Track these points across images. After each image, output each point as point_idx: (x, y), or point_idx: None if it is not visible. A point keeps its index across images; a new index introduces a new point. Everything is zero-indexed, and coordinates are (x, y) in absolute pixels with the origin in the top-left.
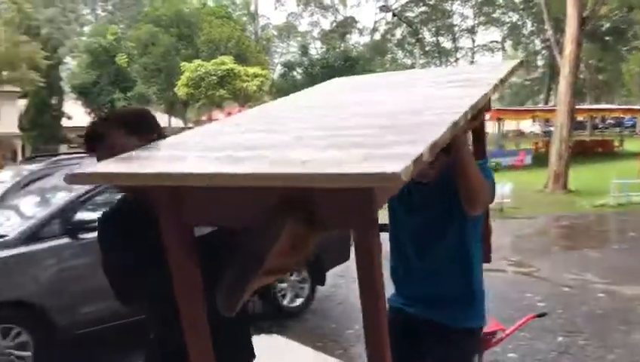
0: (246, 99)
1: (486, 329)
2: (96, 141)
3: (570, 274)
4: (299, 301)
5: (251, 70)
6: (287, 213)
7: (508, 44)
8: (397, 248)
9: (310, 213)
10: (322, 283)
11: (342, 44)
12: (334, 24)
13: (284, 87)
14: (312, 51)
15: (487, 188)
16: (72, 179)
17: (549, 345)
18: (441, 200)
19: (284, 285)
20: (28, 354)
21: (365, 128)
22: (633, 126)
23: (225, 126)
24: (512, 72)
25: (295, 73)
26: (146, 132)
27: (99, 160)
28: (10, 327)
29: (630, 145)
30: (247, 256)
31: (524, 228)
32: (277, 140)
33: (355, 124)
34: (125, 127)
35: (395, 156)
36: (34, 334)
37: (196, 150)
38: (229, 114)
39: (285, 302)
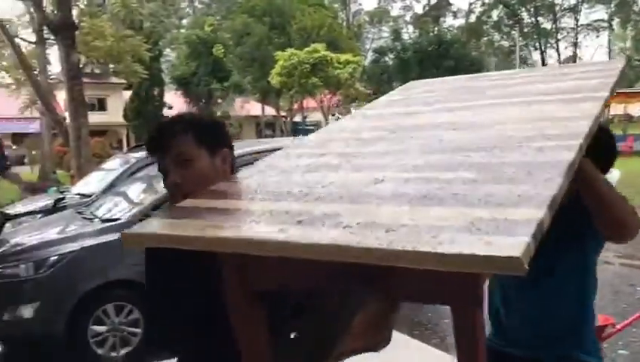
0: (338, 87)
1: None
2: (162, 146)
3: None
4: None
5: (343, 57)
6: (365, 293)
7: (615, 22)
8: (499, 285)
9: (394, 288)
10: None
11: (435, 28)
12: (427, 7)
13: (376, 73)
14: (405, 36)
15: (629, 206)
16: (125, 240)
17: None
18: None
19: None
20: (139, 330)
21: (463, 169)
22: None
23: (301, 155)
24: (621, 77)
25: (387, 59)
26: (218, 145)
27: (162, 169)
28: (123, 305)
29: None
30: (314, 344)
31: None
32: (357, 183)
33: (449, 162)
34: (196, 137)
35: (508, 227)
36: (144, 311)
37: (266, 199)
38: (322, 102)
39: None
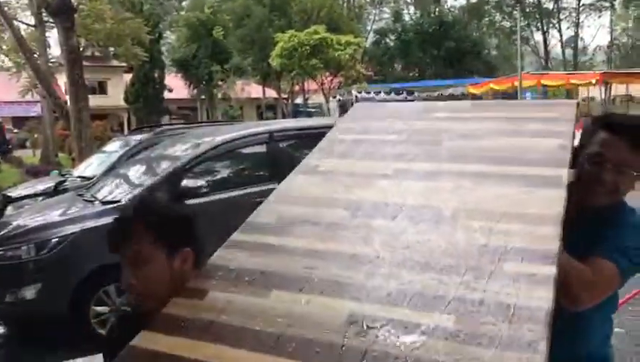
0: (339, 68)
1: None
2: (120, 244)
3: None
4: None
5: (344, 39)
6: None
7: (617, 2)
8: None
9: None
10: None
11: (436, 9)
12: None
13: (377, 55)
14: (406, 17)
15: (585, 280)
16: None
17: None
18: None
19: None
20: None
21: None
22: None
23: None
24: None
25: (388, 40)
26: (179, 245)
27: (123, 271)
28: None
29: None
30: None
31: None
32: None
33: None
34: (155, 237)
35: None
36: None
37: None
38: (323, 84)
39: None
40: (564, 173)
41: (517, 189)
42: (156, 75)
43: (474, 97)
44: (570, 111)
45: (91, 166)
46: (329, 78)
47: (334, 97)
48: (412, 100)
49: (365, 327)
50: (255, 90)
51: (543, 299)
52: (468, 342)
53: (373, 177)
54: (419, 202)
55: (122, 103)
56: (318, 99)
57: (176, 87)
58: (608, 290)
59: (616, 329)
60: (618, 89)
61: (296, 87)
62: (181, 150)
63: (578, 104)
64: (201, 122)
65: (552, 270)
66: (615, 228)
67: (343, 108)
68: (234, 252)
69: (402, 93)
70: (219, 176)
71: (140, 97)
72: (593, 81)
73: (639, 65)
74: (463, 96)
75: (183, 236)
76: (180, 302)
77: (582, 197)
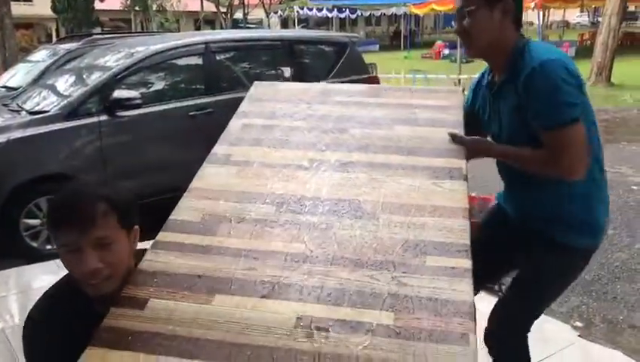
0: None
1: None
2: (78, 226)
3: (605, 167)
4: None
5: None
6: None
7: None
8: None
9: None
10: None
11: None
12: None
13: None
14: None
15: (540, 164)
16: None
17: None
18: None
19: None
20: None
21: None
22: None
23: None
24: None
25: None
26: (133, 224)
27: (71, 245)
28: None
29: None
30: None
31: None
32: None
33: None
34: (119, 220)
35: None
36: None
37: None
38: None
39: None
40: (464, 165)
41: (425, 181)
42: None
43: (416, 18)
44: (458, 99)
45: (16, 76)
46: None
47: (275, 12)
48: (355, 18)
49: (314, 329)
50: (193, 3)
51: (465, 292)
52: (408, 338)
53: (291, 168)
54: (338, 195)
55: (50, 13)
56: (259, 14)
57: None
58: (584, 148)
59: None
60: (556, 14)
61: (236, 1)
62: (113, 60)
63: (463, 90)
64: (133, 32)
65: (468, 263)
66: (537, 86)
67: (284, 24)
68: (164, 255)
69: (345, 10)
70: (152, 88)
71: (70, 6)
72: (532, 5)
73: None
74: (406, 16)
75: (135, 214)
76: (120, 312)
77: (489, 64)
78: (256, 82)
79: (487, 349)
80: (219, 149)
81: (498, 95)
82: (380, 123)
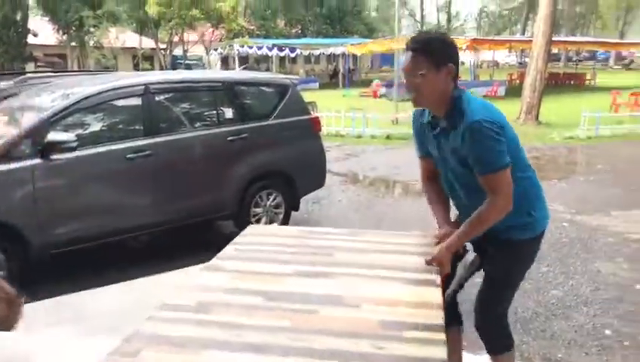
0: (220, 21)
1: None
2: None
3: None
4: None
5: None
6: None
7: None
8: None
9: None
10: (296, 208)
11: None
12: None
13: (260, 9)
14: None
15: (489, 218)
16: None
17: None
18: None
19: (259, 210)
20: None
21: None
22: (606, 59)
23: None
24: None
25: None
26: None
27: None
28: None
29: (602, 79)
30: None
31: None
32: None
33: None
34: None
35: None
36: (7, 253)
37: None
38: (203, 35)
39: None
40: (438, 278)
41: (400, 285)
42: (18, 17)
43: (354, 57)
44: (427, 240)
45: None
46: (210, 30)
47: (215, 50)
48: (295, 56)
49: None
50: (131, 39)
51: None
52: None
53: (280, 275)
54: (323, 292)
55: None
56: (198, 51)
57: (43, 31)
58: (510, 186)
59: (477, 280)
60: (486, 54)
61: (176, 38)
62: (48, 100)
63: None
64: (70, 71)
65: (441, 336)
66: (474, 141)
67: (225, 61)
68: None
69: (284, 49)
70: (89, 130)
71: (1, 41)
72: (463, 47)
73: (505, 33)
74: (344, 55)
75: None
76: None
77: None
78: (249, 227)
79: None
80: (210, 263)
81: (440, 136)
82: (365, 250)
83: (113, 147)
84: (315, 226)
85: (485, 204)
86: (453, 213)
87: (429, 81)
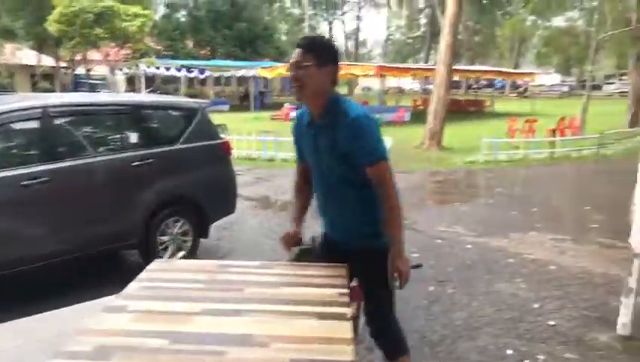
0: (126, 40)
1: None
2: None
3: (442, 227)
4: (181, 254)
5: (132, 9)
6: None
7: (393, 0)
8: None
9: None
10: (206, 235)
11: None
12: None
13: (168, 29)
14: None
15: (397, 204)
16: None
17: (422, 294)
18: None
19: (165, 238)
20: None
21: None
22: (503, 87)
23: None
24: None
25: (179, 15)
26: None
27: None
28: None
29: (500, 106)
30: None
31: (402, 183)
32: None
33: None
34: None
35: None
36: None
37: None
38: (108, 55)
39: (167, 256)
40: (349, 311)
41: (310, 320)
42: None
43: (265, 80)
44: (343, 273)
45: None
46: (115, 50)
47: (121, 70)
48: (204, 78)
49: None
50: (29, 57)
51: None
52: None
53: (188, 315)
54: (233, 331)
55: None
56: (103, 70)
57: None
58: (392, 177)
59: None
60: (392, 81)
61: (78, 56)
62: None
63: (348, 268)
64: None
65: None
66: (359, 133)
67: (131, 81)
68: None
69: (193, 70)
70: None
71: None
72: (371, 73)
73: (410, 60)
74: (255, 78)
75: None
76: None
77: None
78: (154, 262)
79: None
80: (112, 304)
81: (317, 134)
82: (275, 284)
83: (6, 173)
84: (226, 254)
85: (385, 197)
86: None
87: (312, 75)
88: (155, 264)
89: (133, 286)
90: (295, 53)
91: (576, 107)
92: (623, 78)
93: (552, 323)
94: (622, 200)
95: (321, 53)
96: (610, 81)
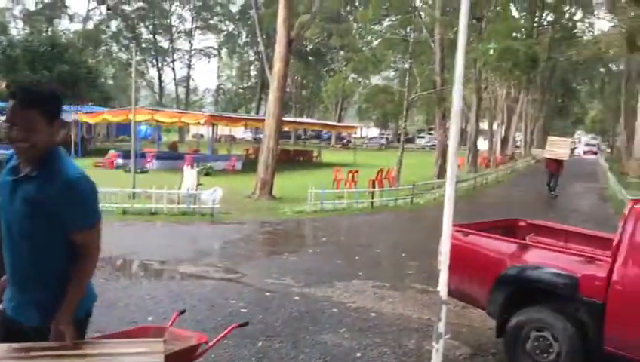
0: None
1: (191, 343)
2: None
3: (271, 279)
4: None
5: None
6: None
7: (224, 51)
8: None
9: None
10: None
11: (49, 29)
12: (40, 5)
13: None
14: (13, 31)
15: (90, 271)
16: None
17: (250, 351)
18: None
19: None
20: None
21: None
22: (329, 138)
23: None
24: None
25: None
26: None
27: None
28: None
29: (326, 156)
30: None
31: (233, 234)
32: None
33: None
34: None
35: None
36: None
37: None
38: None
39: None
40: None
41: None
42: None
43: (88, 126)
44: (158, 347)
45: None
46: None
47: None
48: None
49: None
50: None
51: None
52: None
53: None
54: None
55: None
56: None
57: None
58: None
59: None
60: (224, 129)
61: None
62: None
63: (165, 341)
64: None
65: None
66: (74, 197)
67: None
68: None
69: (5, 113)
70: None
71: None
72: (202, 121)
73: (242, 109)
74: (77, 123)
75: None
76: None
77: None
78: None
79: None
80: None
81: (20, 183)
82: None
83: None
84: None
85: (83, 260)
86: None
87: (41, 135)
88: None
89: None
90: (18, 109)
91: (393, 158)
92: (432, 132)
93: None
94: (432, 247)
95: (52, 109)
96: (422, 135)
